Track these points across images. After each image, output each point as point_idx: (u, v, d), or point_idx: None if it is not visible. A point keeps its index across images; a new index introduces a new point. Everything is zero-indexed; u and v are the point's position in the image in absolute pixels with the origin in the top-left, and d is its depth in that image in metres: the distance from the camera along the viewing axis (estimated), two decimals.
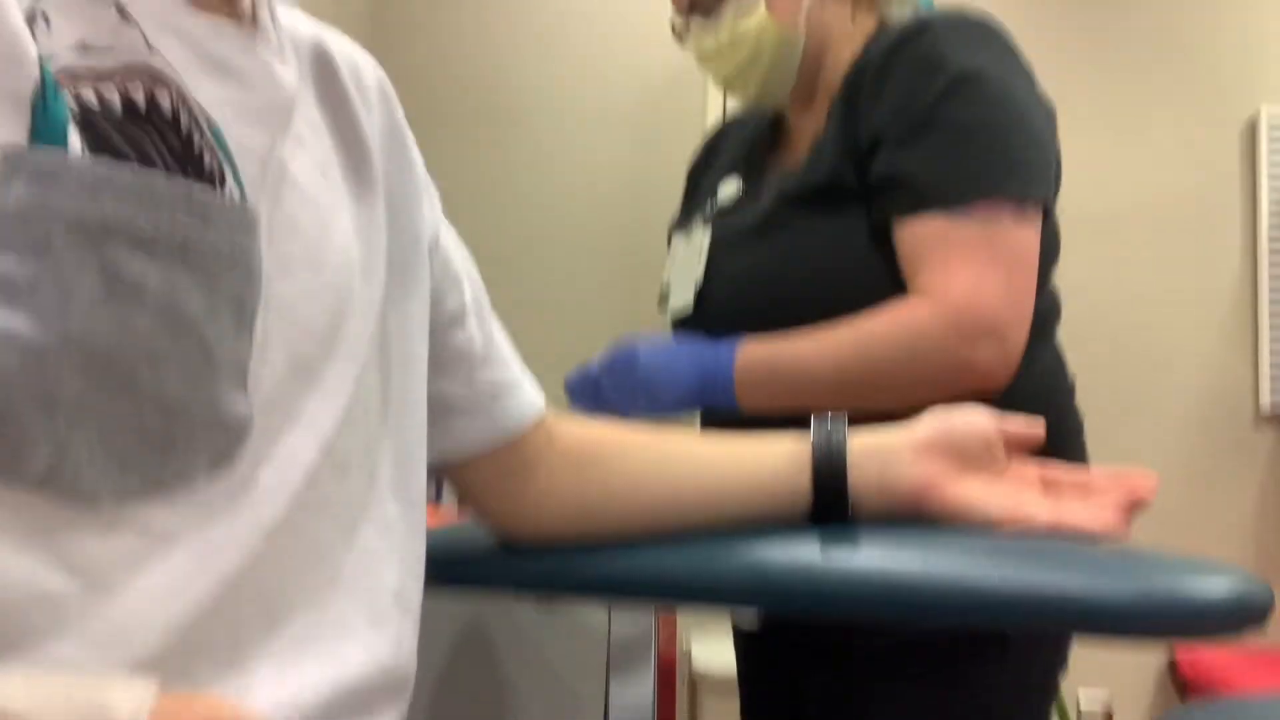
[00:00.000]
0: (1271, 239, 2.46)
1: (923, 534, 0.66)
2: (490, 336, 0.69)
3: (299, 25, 0.57)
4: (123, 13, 0.42)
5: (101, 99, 0.40)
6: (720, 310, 1.05)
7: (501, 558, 0.73)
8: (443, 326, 0.64)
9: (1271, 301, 2.45)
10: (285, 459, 0.47)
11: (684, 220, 1.17)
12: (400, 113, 0.62)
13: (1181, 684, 2.34)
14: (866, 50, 1.01)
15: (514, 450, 0.70)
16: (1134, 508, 0.66)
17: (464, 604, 1.08)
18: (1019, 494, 0.68)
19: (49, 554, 0.38)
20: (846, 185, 0.96)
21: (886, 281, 0.94)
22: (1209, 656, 2.24)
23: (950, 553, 0.62)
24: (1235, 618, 0.55)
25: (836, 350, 0.91)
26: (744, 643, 1.15)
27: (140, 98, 0.41)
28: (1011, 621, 0.60)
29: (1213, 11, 2.51)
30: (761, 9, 1.04)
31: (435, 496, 1.27)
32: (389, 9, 2.50)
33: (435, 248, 0.64)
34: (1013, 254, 0.91)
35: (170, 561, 0.41)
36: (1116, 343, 2.44)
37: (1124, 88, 2.50)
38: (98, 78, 0.40)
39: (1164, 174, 2.48)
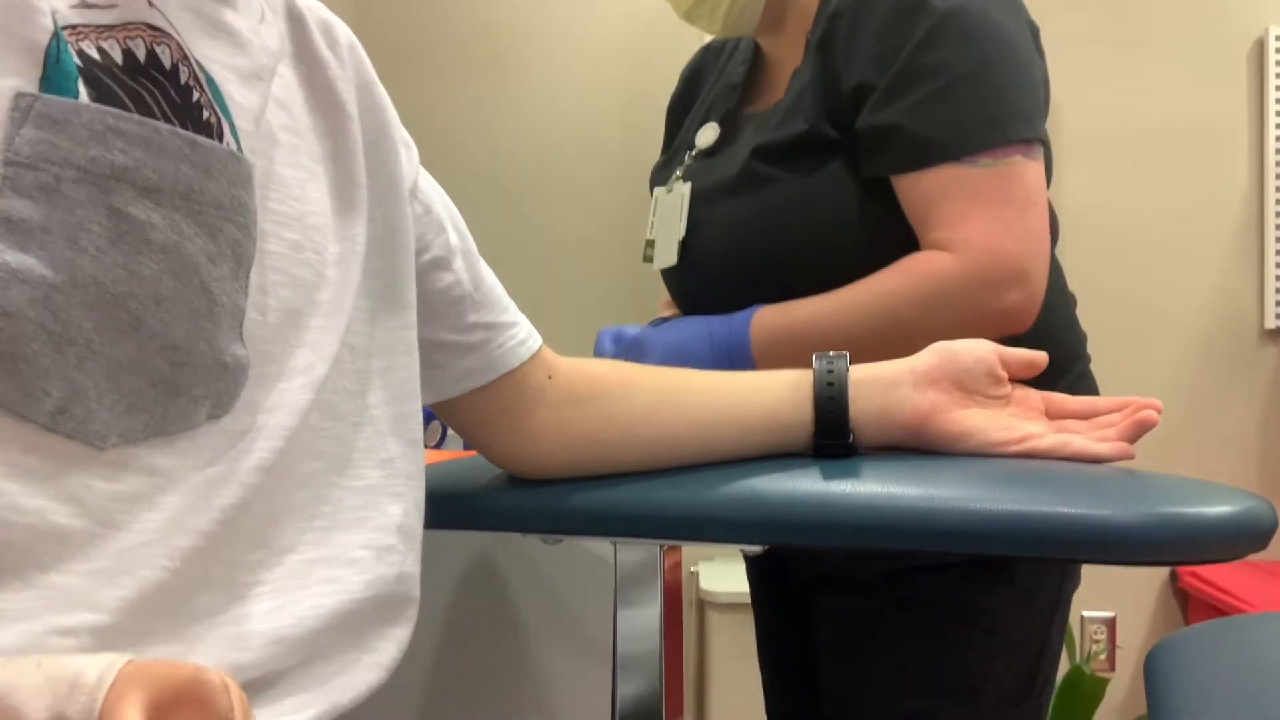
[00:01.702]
0: (1279, 158, 2.44)
1: (925, 462, 0.66)
2: (480, 278, 0.70)
3: None
4: None
5: (103, 52, 0.40)
6: (705, 263, 1.03)
7: (504, 496, 0.73)
8: (428, 271, 0.65)
9: (1278, 219, 2.44)
10: (278, 404, 0.49)
11: (664, 170, 1.15)
12: (371, 70, 0.63)
13: (1184, 597, 2.38)
14: None
15: (512, 386, 0.71)
16: (1138, 431, 0.66)
17: (471, 536, 1.09)
18: (1022, 421, 0.68)
19: (58, 491, 0.39)
20: (829, 136, 0.94)
21: (871, 233, 0.92)
22: (1210, 570, 2.27)
23: (953, 480, 0.62)
24: (1239, 541, 0.55)
25: (858, 309, 0.90)
26: (753, 566, 1.17)
27: (141, 52, 0.42)
28: (1015, 549, 0.60)
29: None
30: None
31: (440, 440, 1.27)
32: None
33: (415, 196, 0.64)
34: (1024, 194, 0.89)
35: (171, 497, 0.43)
36: (1121, 261, 2.43)
37: (1129, 9, 2.45)
38: (100, 32, 0.40)
39: (1170, 94, 2.45)
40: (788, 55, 1.03)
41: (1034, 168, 0.90)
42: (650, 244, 1.10)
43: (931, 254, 0.89)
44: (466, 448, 0.99)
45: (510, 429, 0.72)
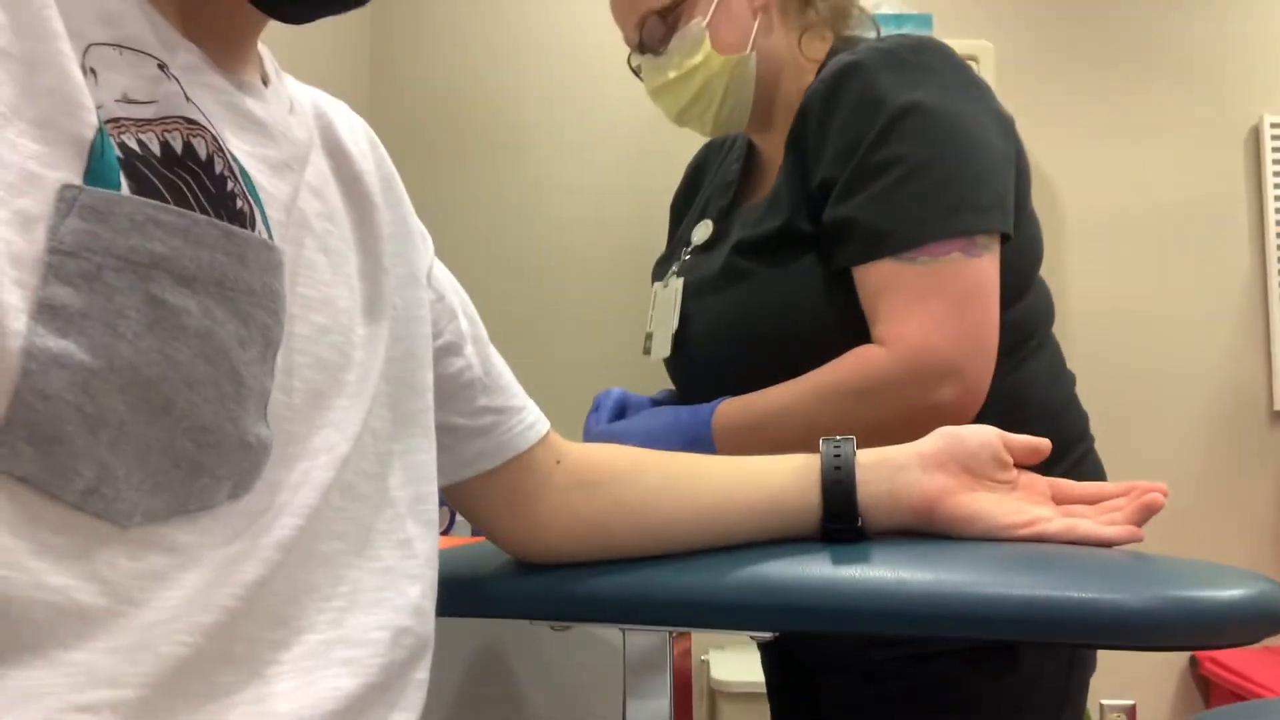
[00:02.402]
0: None
1: (934, 547, 0.66)
2: (489, 363, 0.71)
3: (297, 88, 0.60)
4: (163, 69, 0.45)
5: (143, 145, 0.42)
6: (696, 356, 1.06)
7: (513, 583, 0.73)
8: (440, 356, 0.67)
9: None
10: (301, 482, 0.49)
11: (663, 265, 1.18)
12: (391, 164, 0.66)
13: (1205, 683, 2.33)
14: (811, 86, 1.00)
15: (521, 471, 0.71)
16: (1146, 514, 0.65)
17: (479, 623, 1.08)
18: (1028, 504, 0.68)
19: (83, 569, 0.39)
20: (801, 230, 0.96)
21: (845, 323, 0.94)
22: (1231, 655, 2.22)
23: (963, 564, 0.62)
24: (1254, 624, 0.55)
25: (800, 403, 0.92)
26: (767, 653, 1.16)
27: (179, 144, 0.44)
28: (1028, 634, 0.59)
29: (1214, 22, 2.52)
30: (706, 44, 1.04)
31: (448, 526, 1.27)
32: (388, 42, 2.51)
33: (429, 284, 0.66)
34: (964, 289, 0.90)
35: (192, 575, 0.43)
36: (1129, 346, 2.44)
37: (1129, 97, 2.51)
38: (140, 126, 0.42)
39: (1171, 180, 2.49)
40: (776, 151, 1.06)
41: (976, 264, 0.91)
42: (649, 336, 1.13)
43: (868, 349, 0.91)
44: (475, 533, 0.99)
45: (518, 513, 0.72)
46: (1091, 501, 0.69)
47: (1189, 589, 0.56)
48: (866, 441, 0.83)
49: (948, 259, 0.90)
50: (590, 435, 1.06)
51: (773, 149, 1.09)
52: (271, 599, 0.47)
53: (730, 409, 0.97)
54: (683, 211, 1.24)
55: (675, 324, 1.07)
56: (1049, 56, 2.47)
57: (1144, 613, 0.55)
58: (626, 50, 1.13)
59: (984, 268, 0.91)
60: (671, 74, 1.07)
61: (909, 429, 0.79)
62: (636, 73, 1.13)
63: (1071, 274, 2.41)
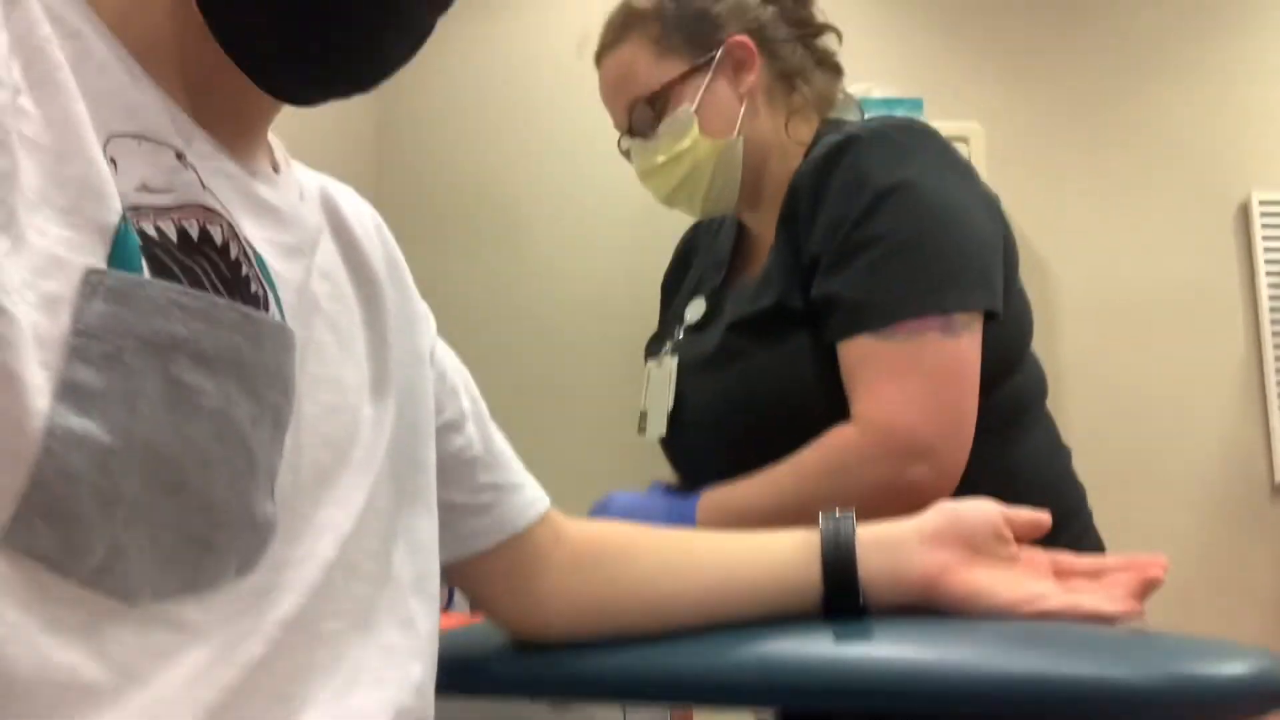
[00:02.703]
0: (1273, 316, 2.49)
1: (937, 624, 0.66)
2: (490, 441, 0.72)
3: (305, 174, 0.62)
4: (181, 158, 0.46)
5: (160, 232, 0.43)
6: (693, 435, 1.07)
7: (512, 661, 0.72)
8: (442, 434, 0.67)
9: (1279, 375, 2.47)
10: (305, 558, 0.50)
11: (656, 345, 1.19)
12: (396, 247, 0.67)
13: None
14: (800, 166, 1.02)
15: (520, 549, 0.71)
16: (1147, 589, 0.65)
17: (479, 701, 1.06)
18: (1030, 580, 0.68)
19: (90, 646, 0.39)
20: (793, 307, 0.97)
21: (839, 399, 0.94)
22: None
23: (965, 642, 0.62)
24: (1257, 700, 0.54)
25: (776, 486, 0.93)
26: None
27: (195, 231, 0.45)
28: (1032, 711, 0.59)
29: (1201, 102, 2.58)
30: (694, 129, 1.06)
31: (447, 603, 1.26)
32: (394, 129, 2.56)
33: (432, 362, 0.67)
34: (941, 369, 0.90)
35: (198, 653, 0.43)
36: (1127, 421, 2.44)
37: (1119, 177, 2.56)
38: (158, 214, 0.44)
39: (1163, 257, 2.53)
40: (767, 230, 1.07)
41: (953, 343, 0.91)
42: (644, 415, 1.13)
43: (841, 428, 0.92)
44: (474, 608, 0.99)
45: (517, 591, 0.72)
46: (1093, 575, 0.69)
47: (1192, 665, 0.56)
48: None
49: (924, 338, 0.90)
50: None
51: (763, 227, 1.11)
52: (274, 677, 0.47)
53: (712, 497, 0.97)
54: (673, 290, 1.26)
55: (670, 403, 1.07)
56: (1038, 137, 2.52)
57: (1149, 690, 0.54)
58: (612, 129, 1.16)
59: (962, 348, 0.91)
60: (660, 158, 1.09)
61: (883, 507, 0.78)
62: (626, 155, 1.15)
63: (1067, 351, 2.43)
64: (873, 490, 0.87)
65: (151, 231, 0.43)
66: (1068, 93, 2.58)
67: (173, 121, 0.47)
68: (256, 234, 0.50)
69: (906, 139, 0.97)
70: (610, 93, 1.12)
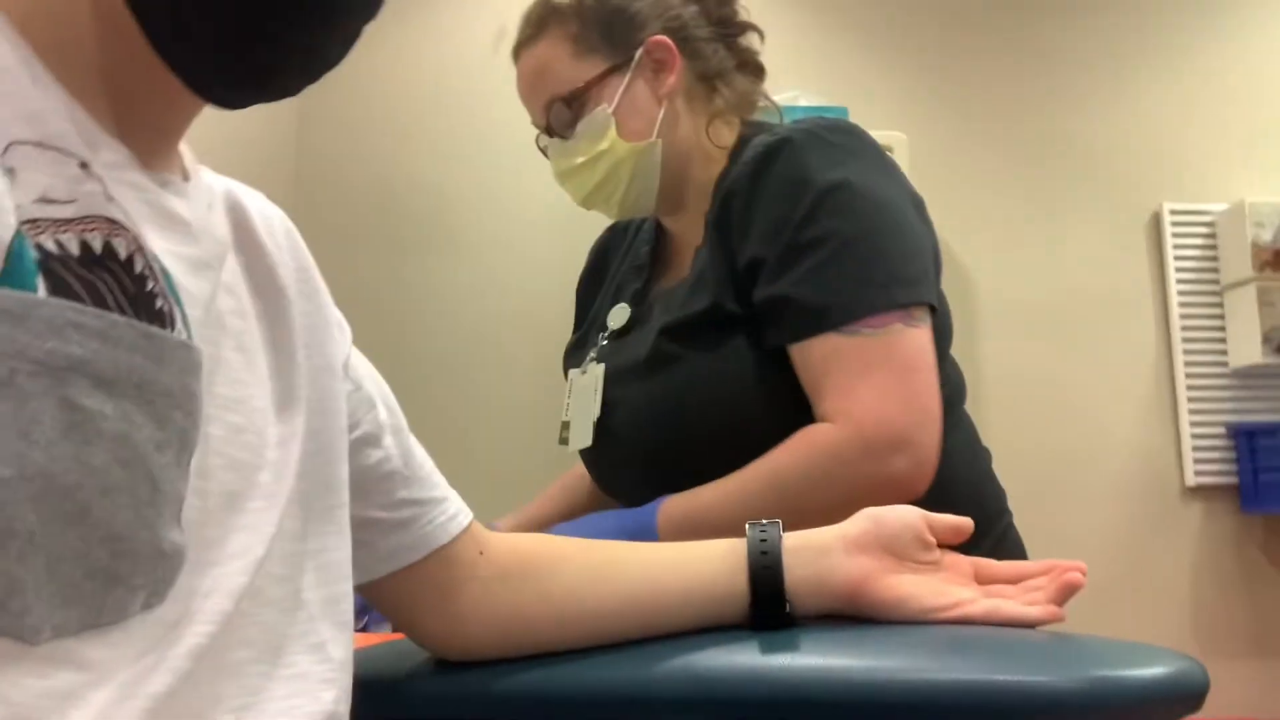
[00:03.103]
0: (1184, 324, 2.58)
1: (863, 632, 0.66)
2: (409, 454, 0.69)
3: (213, 180, 0.59)
4: (85, 168, 0.44)
5: (61, 245, 0.41)
6: (619, 444, 1.04)
7: (434, 681, 0.70)
8: (358, 448, 0.65)
9: (1189, 379, 2.56)
10: (213, 589, 0.47)
11: (577, 352, 1.17)
12: (308, 255, 0.64)
13: None
14: (730, 165, 1.02)
15: (442, 565, 0.69)
16: (1067, 594, 0.66)
17: None
18: (952, 586, 0.68)
19: None
20: (729, 312, 0.96)
21: (779, 404, 0.94)
22: None
23: (891, 650, 0.62)
24: (1174, 703, 0.56)
25: (748, 490, 0.91)
26: None
27: (98, 244, 0.43)
28: (957, 717, 0.59)
29: (1115, 117, 2.67)
30: (612, 131, 1.05)
31: (365, 623, 1.23)
32: (315, 130, 2.52)
33: (346, 374, 0.65)
34: (908, 360, 0.91)
35: (101, 693, 0.41)
36: (1044, 426, 2.50)
37: (1037, 186, 2.63)
38: (58, 226, 0.41)
39: (1080, 265, 2.60)
40: (690, 232, 1.07)
41: (915, 334, 0.92)
42: (565, 426, 1.10)
43: (817, 427, 0.90)
44: (394, 628, 0.96)
45: (439, 608, 0.70)
46: (1013, 581, 0.70)
47: (1113, 669, 0.56)
48: (818, 521, 0.81)
49: (889, 330, 0.90)
50: None
51: (686, 230, 1.10)
52: (178, 710, 0.44)
53: (675, 506, 0.94)
54: (590, 296, 1.24)
55: (597, 411, 1.05)
56: (960, 147, 2.58)
57: (1073, 694, 0.55)
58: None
59: (923, 338, 0.92)
60: (578, 159, 1.07)
61: (863, 503, 0.78)
62: (544, 153, 1.14)
63: (985, 356, 2.48)
64: (854, 488, 0.86)
65: (51, 246, 0.40)
66: (989, 105, 2.64)
67: (78, 129, 0.44)
68: (163, 247, 0.47)
69: (840, 139, 0.97)
70: (527, 90, 1.10)
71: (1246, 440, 2.47)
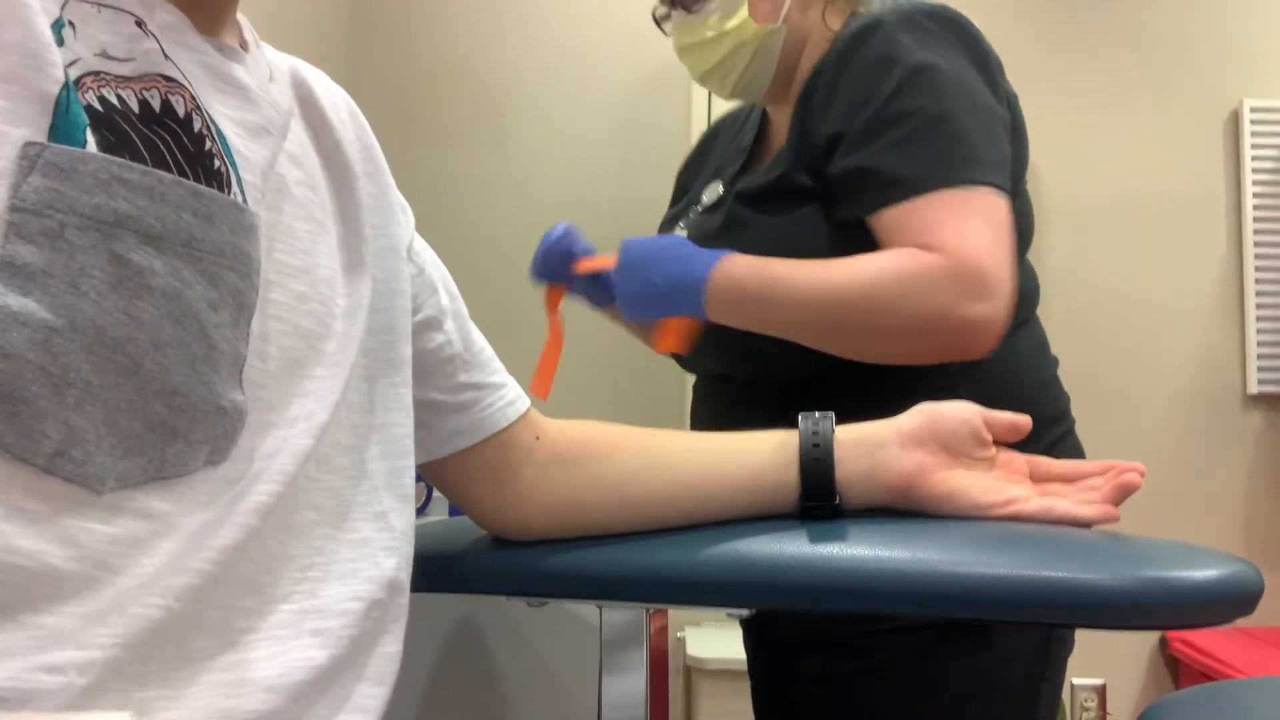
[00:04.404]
0: (1256, 225, 2.49)
1: (911, 525, 0.66)
2: (470, 340, 0.71)
3: (276, 56, 0.59)
4: (141, 26, 0.44)
5: (122, 100, 0.42)
6: None
7: (490, 558, 0.72)
8: (420, 331, 0.66)
9: (1258, 285, 2.48)
10: (277, 449, 0.49)
11: (669, 225, 1.19)
12: (372, 135, 0.65)
13: (1174, 664, 2.36)
14: (826, 50, 1.02)
15: (499, 448, 0.71)
16: (1123, 494, 0.66)
17: (454, 598, 1.07)
18: (1008, 483, 0.68)
19: (55, 534, 0.39)
20: (800, 184, 0.97)
21: None
22: (1200, 635, 2.25)
23: (939, 543, 0.62)
24: (1228, 605, 0.55)
25: (828, 277, 0.89)
26: (748, 631, 1.16)
27: (156, 102, 0.43)
28: (1002, 613, 0.59)
29: (1193, 8, 2.53)
30: (744, 10, 1.06)
31: (425, 501, 1.27)
32: (367, 13, 2.48)
33: (410, 257, 0.66)
34: (999, 218, 0.90)
35: (168, 542, 0.43)
36: (1107, 330, 2.45)
37: (1108, 83, 2.52)
38: (118, 82, 0.42)
39: (1152, 165, 2.51)
40: (787, 121, 1.06)
41: (999, 200, 0.91)
42: None
43: (909, 250, 0.88)
44: (453, 511, 0.99)
45: (497, 490, 0.72)
46: (1069, 480, 0.69)
47: (1164, 569, 0.56)
48: (884, 340, 0.86)
49: (979, 191, 0.89)
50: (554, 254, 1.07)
51: (784, 119, 1.09)
52: (246, 566, 0.46)
53: (739, 265, 0.92)
54: (691, 175, 1.26)
55: None
56: (1027, 42, 2.47)
57: (1120, 592, 0.55)
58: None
59: (1005, 206, 0.91)
60: (708, 34, 1.08)
61: (933, 337, 0.81)
62: (659, 23, 1.15)
63: (1050, 259, 2.42)
64: (934, 316, 0.85)
65: (112, 100, 0.41)
66: None
67: None
68: (221, 111, 0.47)
69: (933, 24, 0.97)
70: None
71: None
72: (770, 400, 1.00)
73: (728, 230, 1.02)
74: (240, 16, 0.55)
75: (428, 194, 2.37)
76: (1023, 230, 0.99)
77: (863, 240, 0.93)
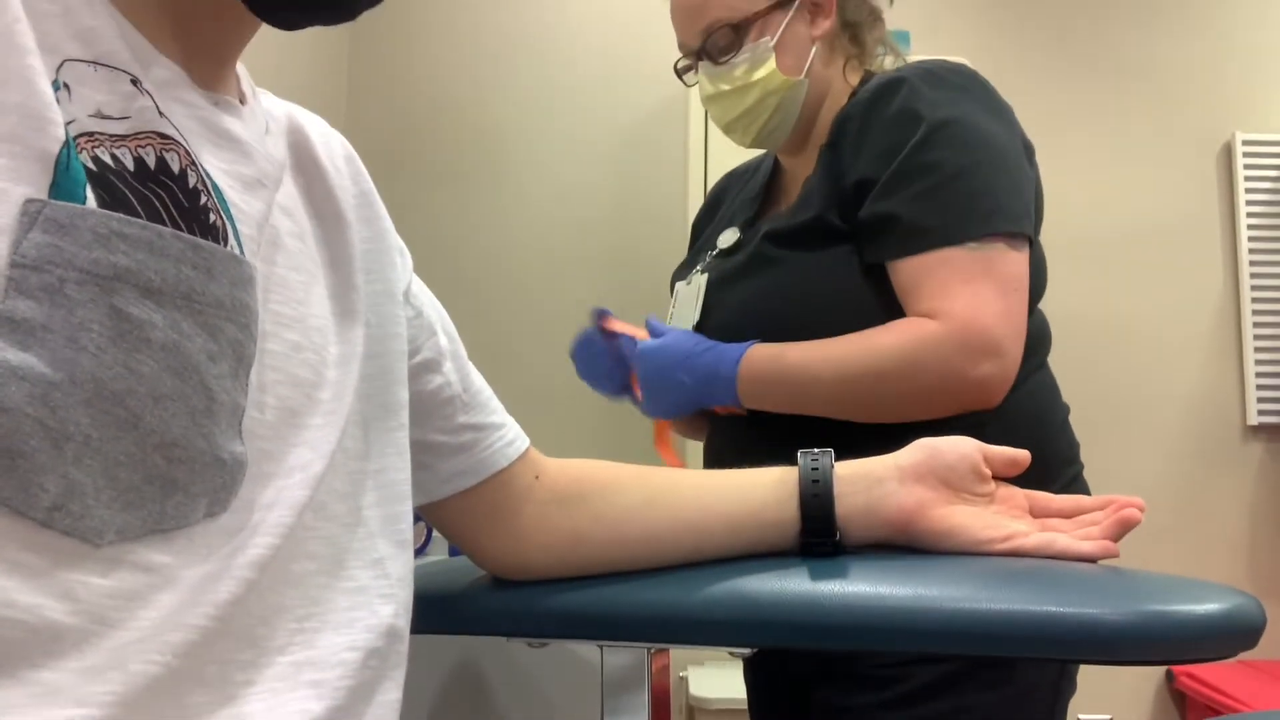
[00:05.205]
0: (1252, 257, 2.51)
1: (912, 561, 0.66)
2: (469, 380, 0.71)
3: (273, 104, 0.60)
4: (136, 84, 0.45)
5: (116, 159, 0.42)
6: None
7: (490, 599, 0.72)
8: (418, 373, 0.66)
9: (1255, 316, 2.49)
10: (275, 501, 0.49)
11: (685, 269, 1.23)
12: (369, 180, 0.65)
13: (1181, 698, 2.34)
14: (850, 101, 1.07)
15: (499, 487, 0.71)
16: (1123, 529, 0.66)
17: (454, 639, 1.07)
18: (1008, 519, 0.68)
19: (54, 588, 0.39)
20: (831, 224, 1.01)
21: (875, 313, 0.96)
22: (1206, 669, 2.24)
23: (941, 579, 0.62)
24: (1230, 639, 0.55)
25: (843, 356, 0.94)
26: (750, 668, 1.15)
27: (151, 159, 0.44)
28: (1005, 649, 0.59)
29: (1187, 41, 2.56)
30: (771, 62, 1.10)
31: (424, 542, 1.26)
32: (366, 55, 2.51)
33: (408, 300, 0.66)
34: (1007, 278, 0.94)
35: (167, 595, 0.43)
36: (1107, 362, 2.46)
37: (1103, 115, 2.55)
38: (114, 141, 0.42)
39: (1147, 198, 2.53)
40: (805, 168, 1.11)
41: (1016, 258, 0.96)
42: None
43: (917, 319, 0.94)
44: (453, 552, 0.98)
45: (497, 530, 0.72)
46: (1068, 515, 0.69)
47: (1166, 603, 0.56)
48: (898, 406, 0.92)
49: (993, 248, 0.94)
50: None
51: (802, 166, 1.14)
52: (244, 619, 0.46)
53: (761, 354, 0.99)
54: (704, 227, 1.30)
55: (697, 316, 1.11)
56: (1023, 73, 2.50)
57: (1124, 627, 0.55)
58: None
59: (1023, 264, 0.97)
60: (735, 84, 1.12)
61: (943, 400, 0.88)
62: (679, 74, 1.19)
63: (1048, 292, 2.43)
64: (943, 381, 0.91)
65: (107, 159, 0.42)
66: (1055, 29, 2.55)
67: (129, 48, 0.45)
68: (216, 165, 0.48)
69: (957, 80, 1.02)
70: (689, 10, 1.14)
71: None
72: (784, 433, 1.01)
73: (754, 268, 1.06)
74: (240, 66, 0.55)
75: (426, 236, 2.39)
76: (1039, 278, 1.03)
77: (886, 283, 0.98)
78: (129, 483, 0.41)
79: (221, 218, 0.46)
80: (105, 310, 0.40)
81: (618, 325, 1.13)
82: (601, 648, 0.70)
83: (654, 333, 1.09)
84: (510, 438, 0.72)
